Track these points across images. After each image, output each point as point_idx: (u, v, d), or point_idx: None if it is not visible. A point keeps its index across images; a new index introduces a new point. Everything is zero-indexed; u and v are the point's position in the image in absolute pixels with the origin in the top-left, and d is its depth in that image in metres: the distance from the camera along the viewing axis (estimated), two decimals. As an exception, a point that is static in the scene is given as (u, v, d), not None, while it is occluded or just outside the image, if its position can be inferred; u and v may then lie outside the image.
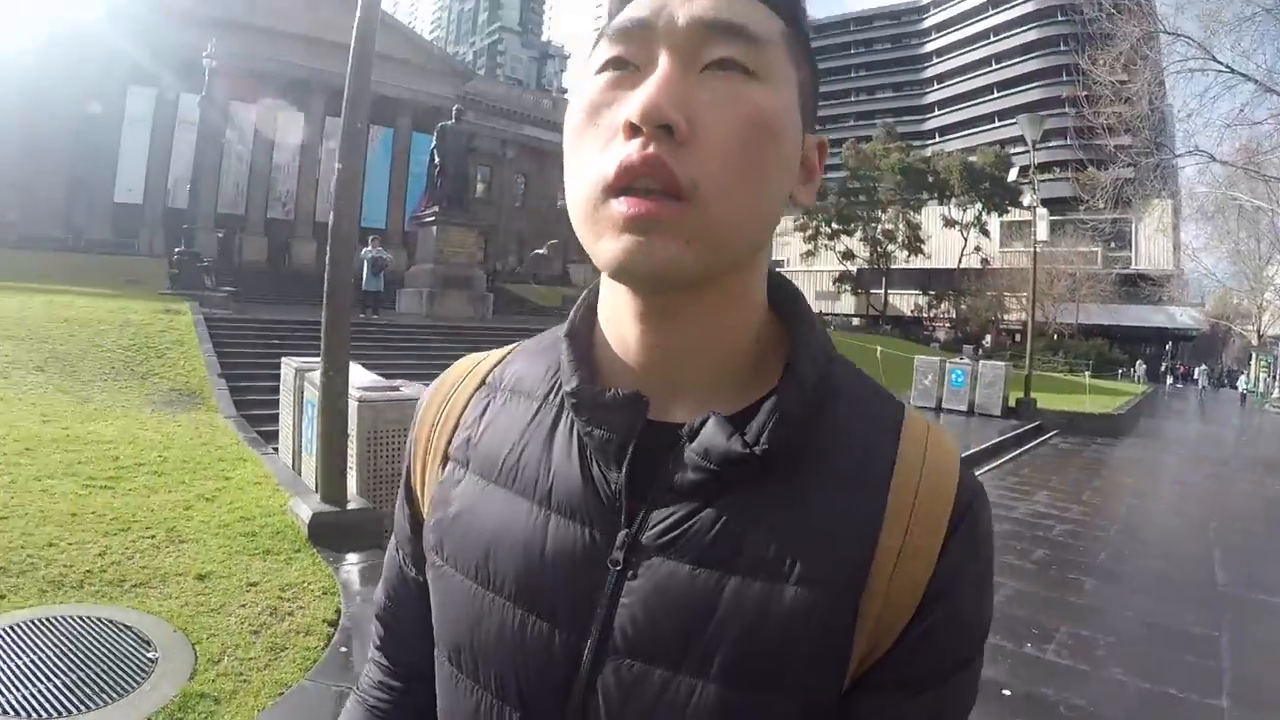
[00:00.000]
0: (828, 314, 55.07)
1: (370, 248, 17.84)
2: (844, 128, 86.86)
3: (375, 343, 13.53)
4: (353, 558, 4.24)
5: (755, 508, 0.62)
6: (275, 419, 7.27)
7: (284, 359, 6.73)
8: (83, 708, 2.69)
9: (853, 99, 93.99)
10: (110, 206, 31.84)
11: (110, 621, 3.29)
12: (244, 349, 11.90)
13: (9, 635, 3.12)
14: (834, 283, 58.09)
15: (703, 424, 0.63)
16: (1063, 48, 45.51)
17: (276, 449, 6.91)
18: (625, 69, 0.60)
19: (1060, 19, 63.80)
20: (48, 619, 3.29)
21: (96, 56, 29.86)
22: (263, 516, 4.77)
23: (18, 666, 2.90)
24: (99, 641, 3.13)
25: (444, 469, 0.74)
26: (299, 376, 6.01)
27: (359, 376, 5.65)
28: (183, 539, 4.25)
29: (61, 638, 3.14)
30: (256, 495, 5.25)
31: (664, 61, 0.58)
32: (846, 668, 0.61)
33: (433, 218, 19.96)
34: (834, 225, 53.68)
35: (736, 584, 0.60)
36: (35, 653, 3.01)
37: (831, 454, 0.64)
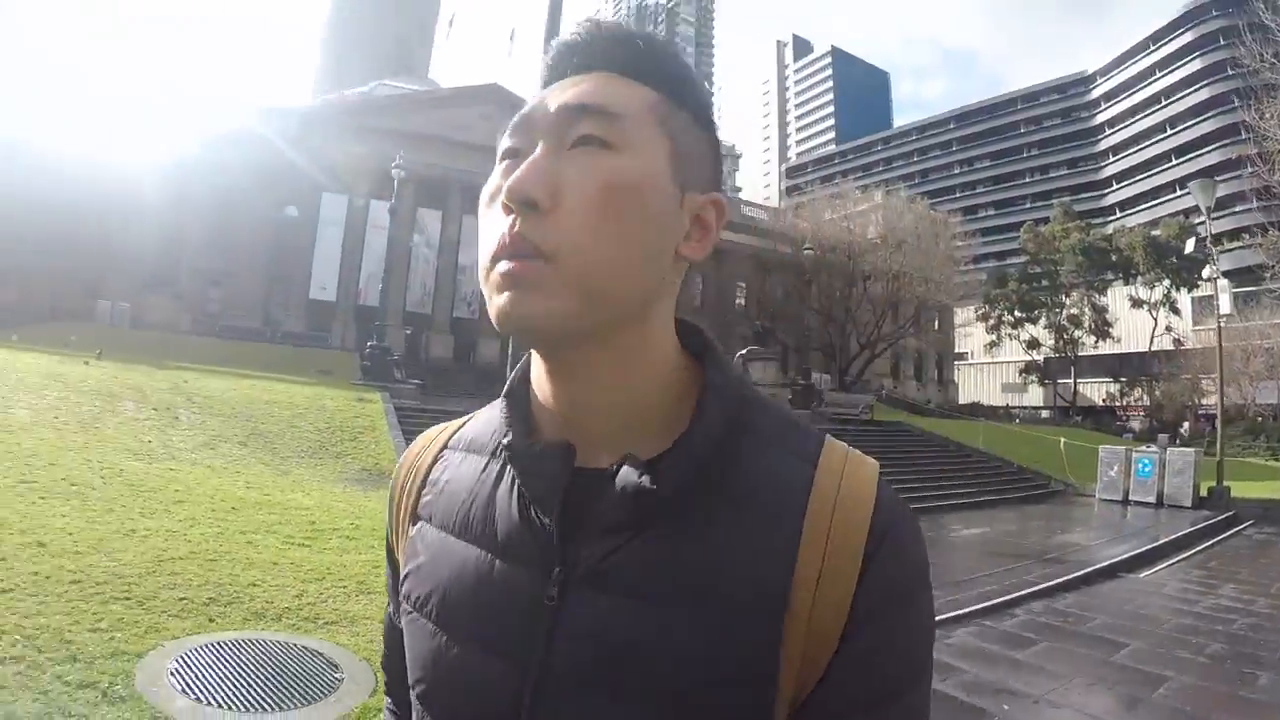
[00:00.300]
0: (1015, 407, 52.21)
1: None
2: (1020, 210, 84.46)
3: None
4: None
5: (674, 541, 0.67)
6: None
7: None
8: (279, 708, 3.21)
9: (1026, 180, 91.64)
10: (305, 301, 35.68)
11: (304, 648, 3.84)
12: (427, 436, 13.05)
13: (220, 649, 3.71)
14: (1020, 374, 55.73)
15: (619, 467, 0.68)
16: (1235, 103, 42.53)
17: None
18: (515, 157, 0.68)
19: (1229, 74, 59.26)
20: (251, 640, 3.88)
21: (294, 165, 33.81)
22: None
23: (225, 673, 3.45)
24: (294, 662, 3.66)
25: (413, 526, 0.81)
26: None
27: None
28: (370, 591, 4.83)
29: (262, 655, 3.70)
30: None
31: (538, 147, 0.67)
32: (774, 692, 0.64)
33: None
34: (1016, 313, 51.61)
35: (659, 612, 0.65)
36: (240, 664, 3.56)
37: (746, 487, 0.69)
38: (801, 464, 0.70)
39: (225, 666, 3.51)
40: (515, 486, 0.73)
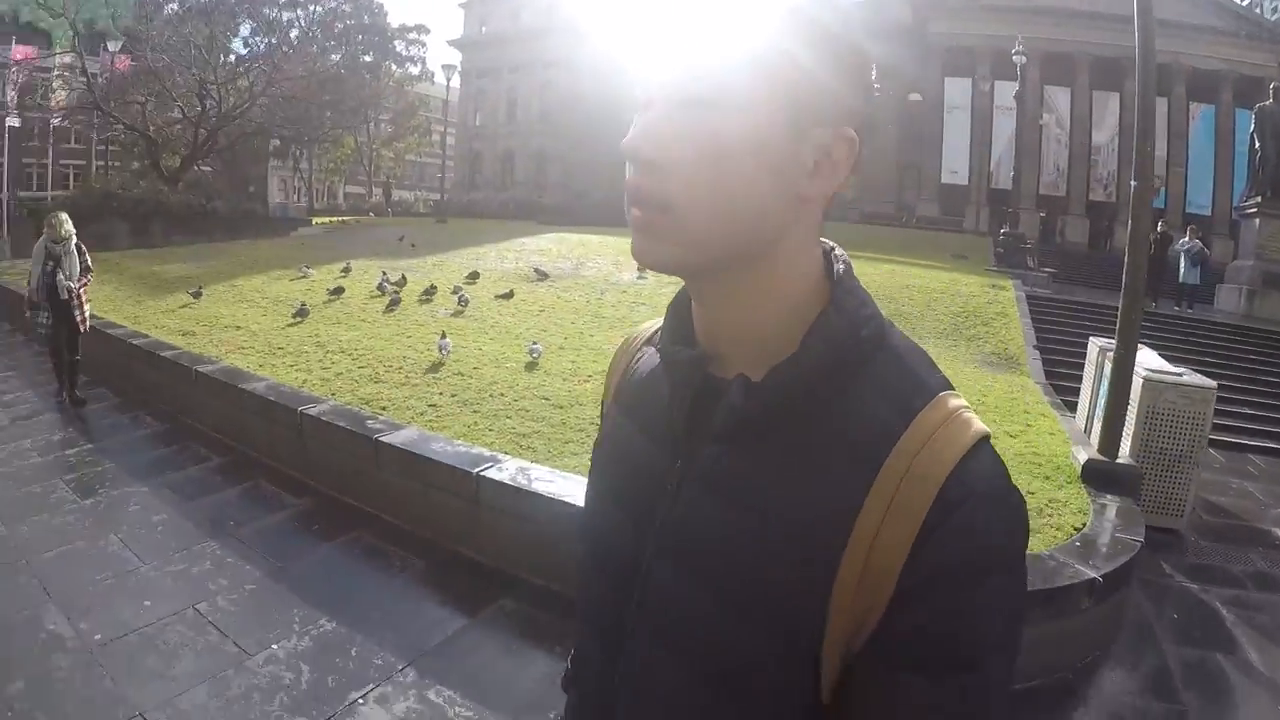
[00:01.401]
0: None
1: (1188, 239, 17.71)
2: None
3: (1182, 337, 13.70)
4: (1109, 497, 5.28)
5: (761, 458, 0.76)
6: (1075, 390, 8.56)
7: (1091, 339, 8.10)
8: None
9: None
10: (937, 186, 36.52)
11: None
12: (1057, 325, 13.48)
13: None
14: None
15: (734, 382, 0.78)
16: None
17: (1073, 414, 8.19)
18: (648, 109, 0.76)
19: None
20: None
21: (916, 50, 34.41)
22: (1049, 454, 6.14)
23: None
24: None
25: (613, 404, 1.00)
26: (1101, 354, 7.17)
27: (1150, 360, 6.62)
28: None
29: None
30: (1049, 441, 6.63)
31: (651, 106, 0.76)
32: (820, 617, 0.70)
33: (1254, 209, 18.60)
34: None
35: (737, 515, 0.76)
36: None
37: (836, 426, 0.74)
38: (898, 416, 0.73)
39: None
40: (666, 383, 0.86)
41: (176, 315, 11.03)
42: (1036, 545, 4.31)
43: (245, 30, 37.19)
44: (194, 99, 31.48)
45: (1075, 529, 4.61)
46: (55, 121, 44.96)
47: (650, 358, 0.95)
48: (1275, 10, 39.44)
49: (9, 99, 44.42)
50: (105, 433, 7.54)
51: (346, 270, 13.85)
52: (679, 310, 0.88)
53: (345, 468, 5.80)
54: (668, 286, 13.13)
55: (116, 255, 17.86)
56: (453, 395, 6.92)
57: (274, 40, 36.00)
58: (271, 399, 6.64)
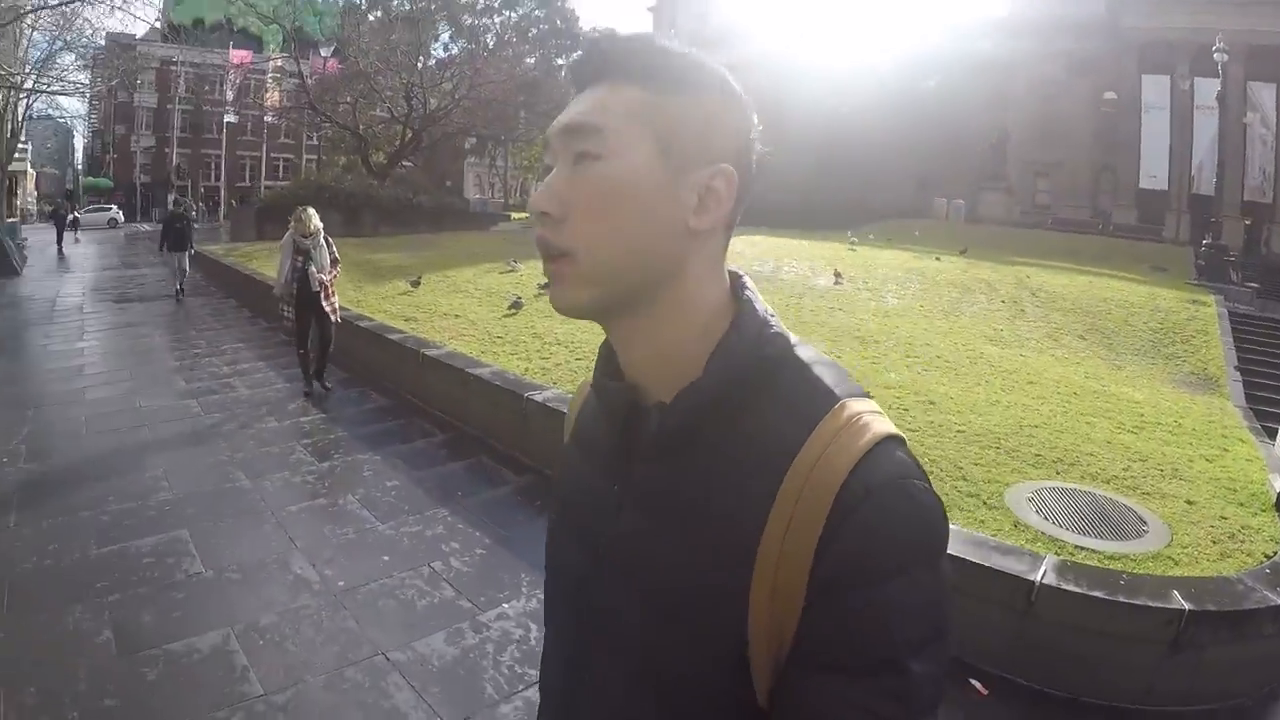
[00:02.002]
0: None
1: None
2: None
3: None
4: None
5: (679, 475, 0.84)
6: (1278, 415, 8.31)
7: None
8: (1095, 538, 4.71)
9: None
10: (1134, 190, 34.73)
11: (1123, 504, 5.24)
12: (1260, 345, 13.01)
13: (1063, 492, 5.31)
14: None
15: (652, 407, 0.87)
16: None
17: (1273, 441, 7.94)
18: (548, 172, 0.87)
19: None
20: (1085, 491, 5.40)
21: (1110, 46, 33.01)
22: (1245, 481, 6.09)
23: (1064, 506, 5.05)
24: (1114, 513, 5.08)
25: (569, 438, 1.11)
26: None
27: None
28: (1181, 477, 5.94)
29: (1091, 502, 5.21)
30: (1245, 467, 6.54)
31: (555, 165, 0.86)
32: (740, 625, 0.76)
33: None
34: None
35: (661, 531, 0.84)
36: (1075, 504, 5.14)
37: (743, 441, 0.81)
38: (799, 428, 0.78)
39: (1065, 503, 5.14)
40: (602, 414, 0.95)
41: (397, 302, 12.28)
42: (1228, 566, 4.47)
43: (445, 36, 39.58)
44: (400, 100, 33.82)
45: (1266, 556, 4.69)
46: (268, 119, 49.17)
47: (593, 396, 1.01)
48: None
49: (228, 98, 48.96)
50: (335, 405, 8.66)
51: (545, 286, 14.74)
52: (608, 348, 0.95)
53: (567, 451, 6.47)
54: (863, 293, 13.39)
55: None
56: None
57: (472, 46, 38.05)
58: (497, 384, 7.42)
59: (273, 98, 44.30)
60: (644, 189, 0.81)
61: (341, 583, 4.70)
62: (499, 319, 10.78)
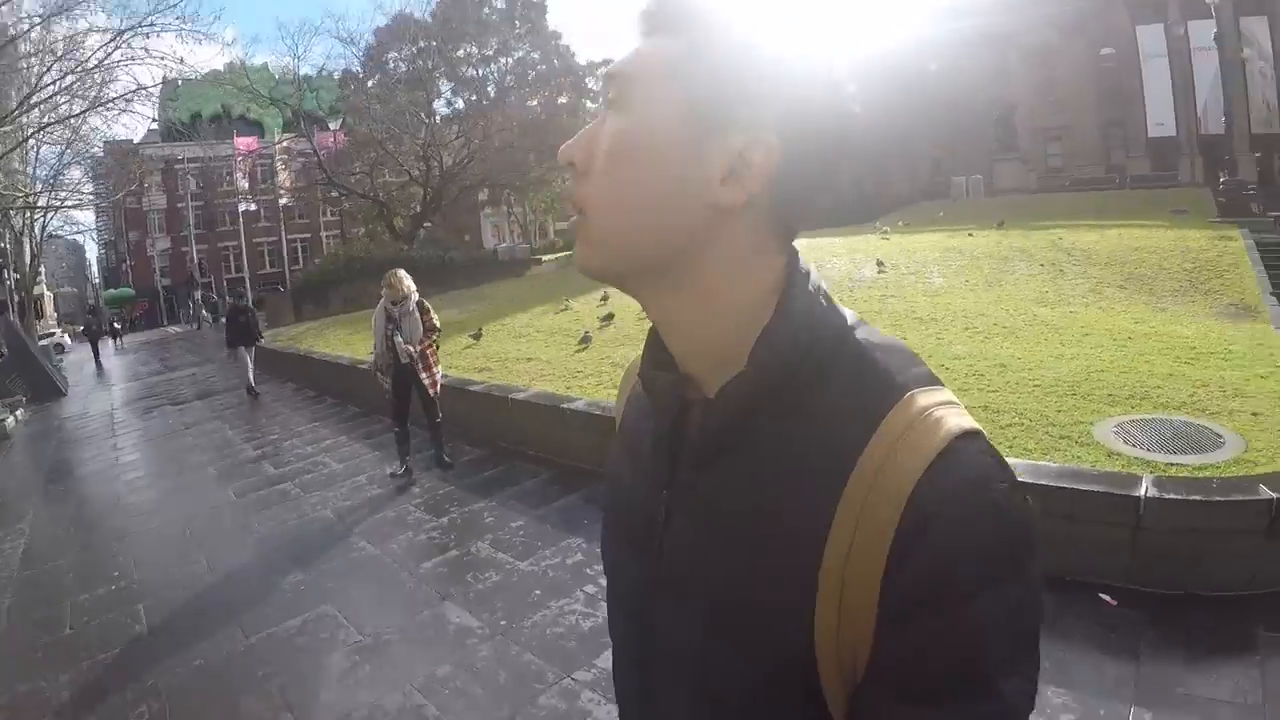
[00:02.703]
0: None
1: None
2: None
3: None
4: None
5: (733, 479, 0.76)
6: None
7: None
8: (1181, 454, 5.32)
9: None
10: (1144, 141, 35.51)
11: (1196, 425, 5.83)
12: (1294, 270, 13.23)
13: (1142, 422, 5.91)
14: None
15: (699, 404, 0.80)
16: None
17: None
18: None
19: None
20: (1162, 419, 6.01)
21: (1100, 4, 34.00)
22: (1300, 391, 6.73)
23: (1150, 433, 5.68)
24: (1193, 432, 5.68)
25: (620, 432, 1.04)
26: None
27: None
28: (1243, 394, 6.49)
29: (1168, 429, 5.81)
30: (1300, 380, 7.17)
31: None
32: (806, 645, 0.69)
33: None
34: None
35: (716, 540, 0.77)
36: (1156, 431, 5.75)
37: (801, 439, 0.73)
38: (861, 424, 0.70)
39: (1146, 431, 5.75)
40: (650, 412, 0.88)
41: (465, 355, 12.81)
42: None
43: (447, 91, 40.57)
44: (417, 161, 34.74)
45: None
46: (283, 201, 50.24)
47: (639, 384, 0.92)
48: None
49: (242, 186, 50.03)
50: (430, 461, 8.62)
51: (605, 299, 15.20)
52: (656, 336, 0.86)
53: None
54: (909, 277, 13.95)
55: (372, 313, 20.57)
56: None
57: (475, 97, 39.05)
58: (596, 414, 7.64)
59: (285, 179, 45.33)
60: (661, 148, 0.73)
61: (504, 622, 4.89)
62: (571, 355, 11.20)
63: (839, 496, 0.68)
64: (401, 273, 8.14)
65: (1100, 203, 24.70)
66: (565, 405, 8.21)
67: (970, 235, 17.98)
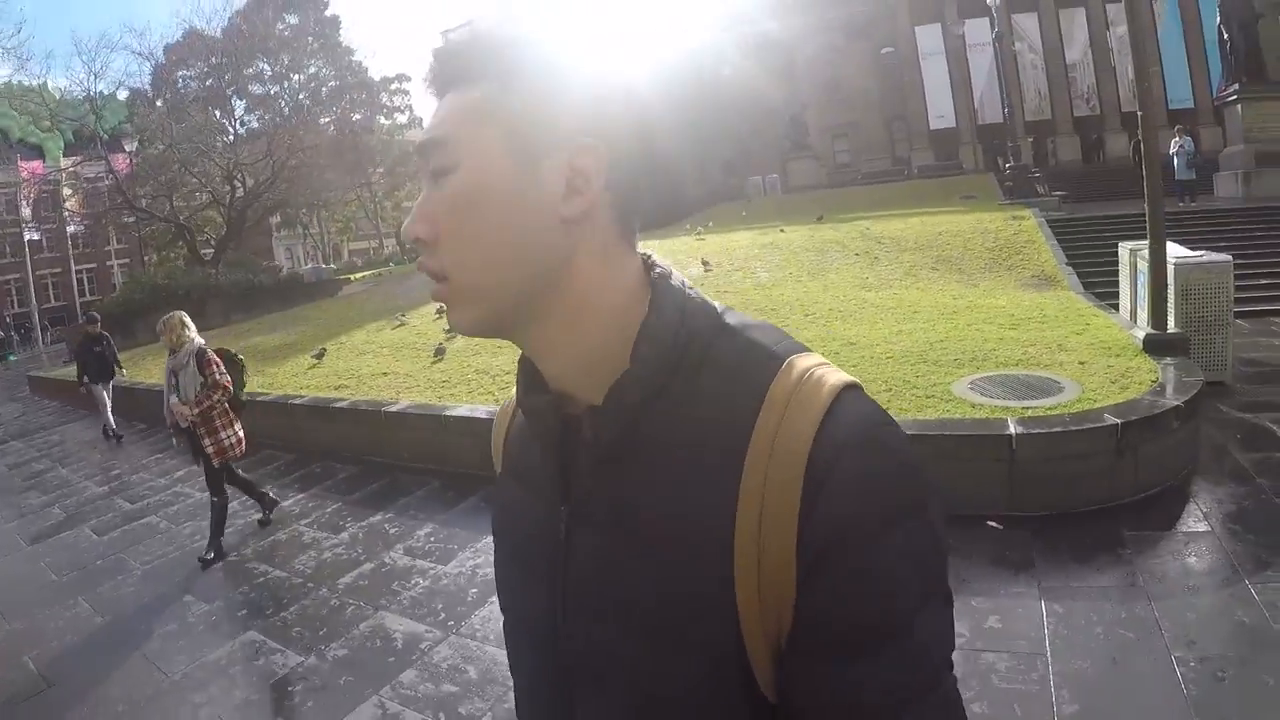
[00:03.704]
0: None
1: (1177, 139, 19.54)
2: None
3: (1192, 229, 15.25)
4: (1168, 359, 6.83)
5: (631, 482, 0.76)
6: (1112, 293, 10.28)
7: (1120, 243, 9.82)
8: (1030, 399, 6.15)
9: None
10: (927, 134, 38.62)
11: (1037, 375, 6.72)
12: (1081, 241, 15.20)
13: (989, 378, 6.74)
14: None
15: (584, 415, 0.79)
16: None
17: (1115, 310, 9.85)
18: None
19: None
20: (1005, 375, 6.86)
21: (882, 6, 37.31)
22: (1112, 340, 7.76)
23: (996, 386, 6.50)
24: (1034, 383, 6.55)
25: (502, 471, 1.02)
26: (1131, 255, 8.89)
27: (1174, 250, 8.32)
28: (1066, 349, 7.53)
29: (1013, 380, 6.66)
30: (1108, 332, 8.24)
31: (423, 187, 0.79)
32: (733, 627, 0.70)
33: (1234, 96, 20.58)
34: None
35: (624, 546, 0.76)
36: (1003, 383, 6.59)
37: (694, 429, 0.74)
38: (749, 396, 0.72)
39: (996, 385, 6.58)
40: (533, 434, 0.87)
41: (312, 375, 12.26)
42: (1130, 394, 5.99)
43: (239, 108, 38.96)
44: (223, 182, 33.14)
45: (1153, 382, 6.26)
46: (71, 228, 46.25)
47: (521, 416, 0.94)
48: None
49: (25, 215, 45.68)
50: (309, 482, 8.46)
51: (442, 311, 15.03)
52: (527, 362, 0.87)
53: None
54: (736, 273, 14.70)
55: (194, 341, 19.41)
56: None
57: (269, 115, 37.70)
58: (480, 417, 7.80)
59: (75, 204, 41.51)
60: (498, 191, 0.75)
61: (451, 623, 4.89)
62: (429, 368, 11.06)
63: (740, 472, 0.70)
64: (178, 317, 6.77)
65: (894, 193, 26.80)
66: (447, 413, 8.30)
67: (782, 231, 18.99)
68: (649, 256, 0.84)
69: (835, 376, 0.73)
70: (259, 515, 7.36)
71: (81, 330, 15.24)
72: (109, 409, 13.69)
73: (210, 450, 6.55)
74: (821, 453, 0.67)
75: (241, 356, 7.33)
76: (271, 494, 7.50)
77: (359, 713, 4.06)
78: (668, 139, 0.79)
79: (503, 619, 0.98)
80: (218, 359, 6.70)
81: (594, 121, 0.75)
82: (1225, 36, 21.13)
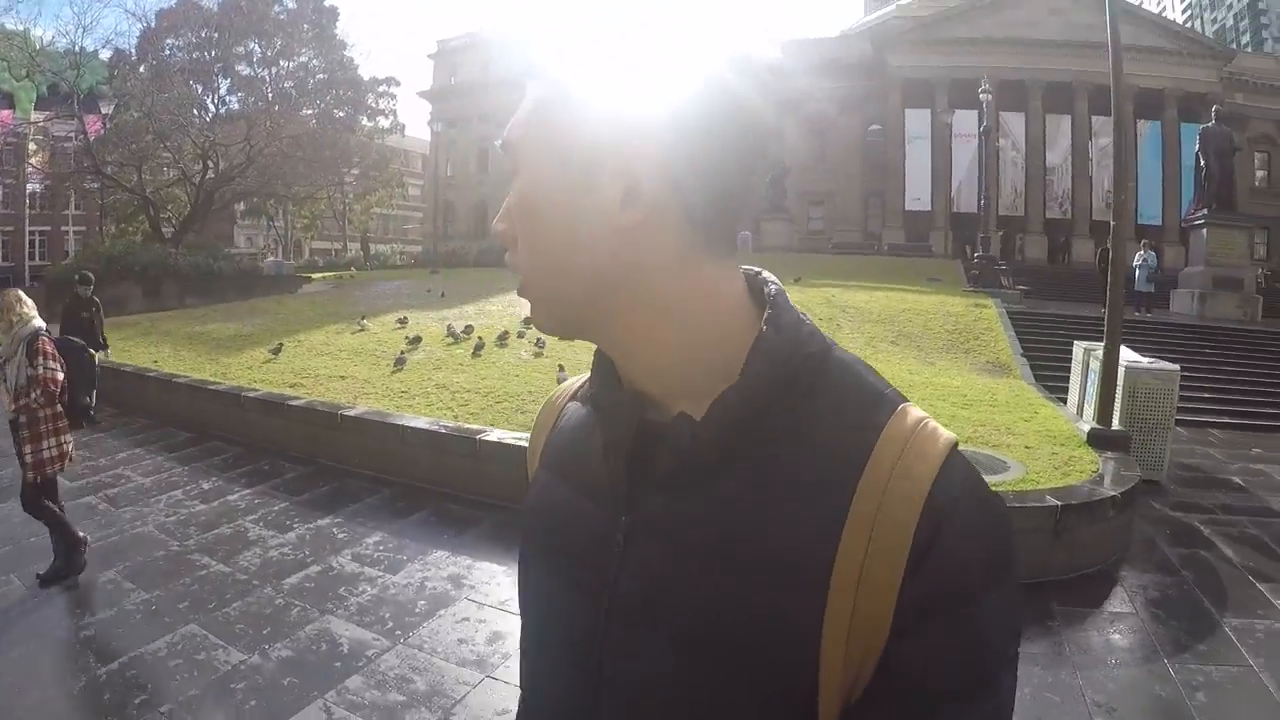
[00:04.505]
0: None
1: (1142, 252, 20.44)
2: None
3: (1145, 338, 15.76)
4: (1109, 454, 7.23)
5: (720, 500, 0.73)
6: (1061, 386, 10.86)
7: (1076, 342, 10.44)
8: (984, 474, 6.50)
9: None
10: (901, 214, 39.58)
11: (985, 454, 7.06)
12: (1037, 335, 15.80)
13: None
14: None
15: (676, 422, 0.75)
16: None
17: (1064, 404, 10.33)
18: None
19: None
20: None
21: (876, 83, 38.52)
22: (1058, 430, 8.18)
23: None
24: (980, 460, 6.90)
25: (540, 467, 0.97)
26: (1086, 353, 9.45)
27: (1127, 354, 8.84)
28: (1014, 433, 7.93)
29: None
30: (1055, 423, 8.67)
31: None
32: (811, 666, 0.67)
33: (1201, 220, 21.56)
34: None
35: (700, 566, 0.72)
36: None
37: (797, 454, 0.72)
38: (863, 433, 0.71)
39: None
40: (599, 434, 0.83)
41: (266, 370, 12.09)
42: (1071, 480, 6.35)
43: (223, 87, 38.25)
44: (195, 159, 32.47)
45: (1093, 472, 6.65)
46: (32, 187, 44.54)
47: (577, 413, 0.93)
48: (1214, 22, 43.19)
49: None
50: (257, 478, 8.16)
51: (403, 321, 15.24)
52: (602, 356, 0.85)
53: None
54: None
55: (144, 319, 19.07)
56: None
57: (252, 98, 37.14)
58: (442, 432, 7.88)
59: (41, 160, 39.70)
60: (552, 199, 0.75)
61: (399, 632, 4.86)
62: (389, 376, 11.12)
63: (847, 502, 0.68)
64: (17, 294, 5.71)
65: (863, 265, 27.64)
66: (406, 424, 8.28)
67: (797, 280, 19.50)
68: (759, 272, 0.83)
69: (946, 431, 0.73)
70: (46, 569, 5.52)
71: (70, 293, 13.17)
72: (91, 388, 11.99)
73: (29, 460, 5.38)
74: (937, 501, 0.67)
75: (101, 355, 6.20)
76: (88, 541, 5.80)
77: (304, 715, 3.98)
78: (724, 151, 0.74)
79: (522, 632, 0.94)
80: (52, 349, 5.48)
81: (651, 131, 0.72)
82: (1201, 163, 22.04)
